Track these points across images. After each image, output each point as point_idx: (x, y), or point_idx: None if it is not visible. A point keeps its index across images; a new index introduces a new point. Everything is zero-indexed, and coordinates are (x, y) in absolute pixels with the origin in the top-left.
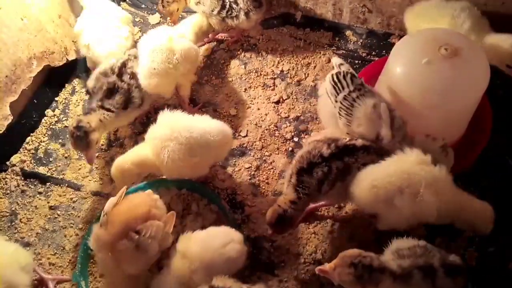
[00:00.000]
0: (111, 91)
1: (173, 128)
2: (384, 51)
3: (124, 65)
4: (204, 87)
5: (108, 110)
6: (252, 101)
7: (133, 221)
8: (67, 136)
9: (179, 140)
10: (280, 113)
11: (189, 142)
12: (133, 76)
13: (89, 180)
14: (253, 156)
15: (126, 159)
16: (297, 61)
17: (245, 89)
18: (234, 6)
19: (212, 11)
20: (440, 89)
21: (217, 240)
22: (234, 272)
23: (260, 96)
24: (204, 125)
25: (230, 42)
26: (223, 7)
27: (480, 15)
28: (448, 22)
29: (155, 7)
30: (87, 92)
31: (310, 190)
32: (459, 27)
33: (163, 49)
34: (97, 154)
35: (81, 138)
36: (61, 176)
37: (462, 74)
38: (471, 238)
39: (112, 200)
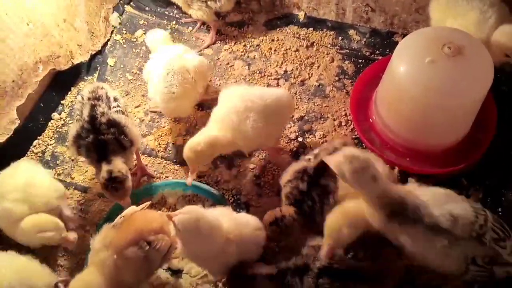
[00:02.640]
0: (101, 147)
1: (245, 99)
2: (387, 50)
3: (94, 117)
4: (208, 88)
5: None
6: None
7: (146, 232)
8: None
9: (256, 109)
10: None
11: (265, 109)
12: (111, 124)
13: (96, 182)
14: (258, 156)
15: (198, 141)
16: (301, 61)
17: None
18: None
19: None
20: (444, 87)
21: (253, 222)
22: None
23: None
24: (271, 92)
25: (204, 48)
26: None
27: (508, 12)
28: (475, 16)
29: (158, 9)
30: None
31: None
32: (485, 22)
33: (178, 70)
34: None
35: (117, 189)
36: (68, 179)
37: (466, 72)
38: None
39: (133, 208)
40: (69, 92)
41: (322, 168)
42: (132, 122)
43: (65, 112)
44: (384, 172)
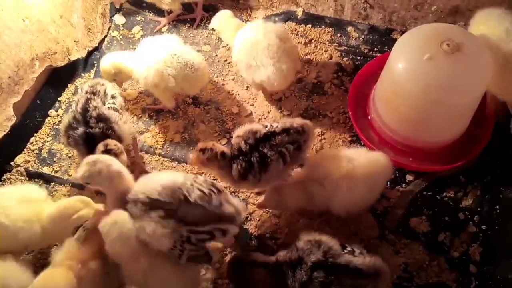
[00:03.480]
0: (89, 140)
1: None
2: (386, 47)
3: (85, 109)
4: (206, 85)
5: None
6: (254, 98)
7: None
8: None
9: None
10: (283, 110)
11: None
12: (100, 118)
13: None
14: None
15: None
16: (299, 58)
17: (247, 87)
18: None
19: None
20: (443, 84)
21: None
22: None
23: (262, 93)
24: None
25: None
26: None
27: None
28: (500, 34)
29: (155, 6)
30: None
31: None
32: (507, 39)
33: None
34: None
35: None
36: (65, 176)
37: (464, 69)
38: (475, 233)
39: (95, 219)
40: (66, 89)
41: (273, 134)
42: (124, 121)
43: (62, 109)
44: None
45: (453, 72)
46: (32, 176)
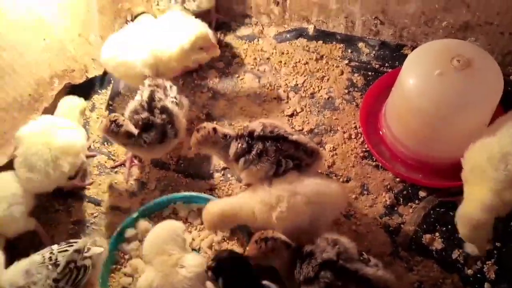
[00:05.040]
0: (147, 126)
1: None
2: (397, 62)
3: (152, 99)
4: (219, 101)
5: (144, 142)
6: (266, 114)
7: None
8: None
9: None
10: (294, 126)
11: None
12: (164, 110)
13: (109, 195)
14: None
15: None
16: (311, 74)
17: (259, 103)
18: None
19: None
20: (454, 100)
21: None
22: None
23: (274, 109)
24: None
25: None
26: None
27: None
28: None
29: None
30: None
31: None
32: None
33: None
34: (115, 170)
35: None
36: (82, 192)
37: (475, 85)
38: (490, 251)
39: None
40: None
41: (284, 139)
42: (182, 116)
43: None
44: None
45: (464, 89)
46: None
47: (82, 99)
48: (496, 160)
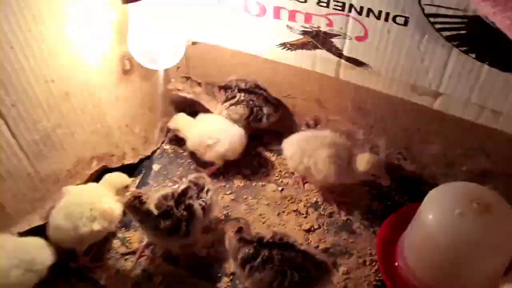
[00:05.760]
0: (166, 214)
1: None
2: (416, 197)
3: (184, 194)
4: (240, 205)
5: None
6: (284, 225)
7: None
8: None
9: None
10: (310, 241)
11: None
12: (188, 208)
13: (114, 282)
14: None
15: None
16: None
17: (278, 213)
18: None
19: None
20: (473, 240)
21: None
22: None
23: (292, 221)
24: None
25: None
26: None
27: None
28: None
29: None
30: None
31: None
32: None
33: None
34: (125, 257)
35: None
36: (87, 274)
37: (493, 229)
38: None
39: None
40: None
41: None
42: (201, 221)
43: None
44: None
45: (483, 230)
46: None
47: (127, 177)
48: None
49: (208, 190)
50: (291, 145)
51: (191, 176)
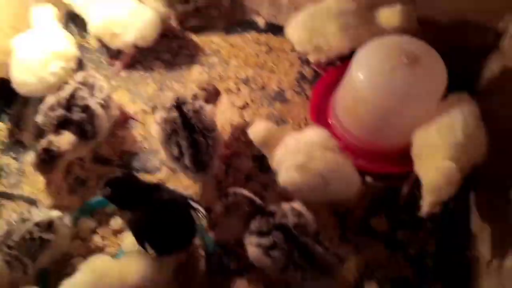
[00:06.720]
0: (61, 125)
1: None
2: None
3: (72, 97)
4: (165, 92)
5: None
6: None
7: None
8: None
9: None
10: (245, 118)
11: None
12: (85, 109)
13: (46, 194)
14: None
15: None
16: (261, 66)
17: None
18: None
19: None
20: (402, 93)
21: None
22: None
23: (224, 100)
24: None
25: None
26: None
27: None
28: None
29: None
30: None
31: None
32: None
33: None
34: None
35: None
36: (16, 191)
37: (421, 80)
38: (432, 232)
39: None
40: (15, 101)
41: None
42: (106, 119)
43: (10, 121)
44: None
45: (412, 82)
46: None
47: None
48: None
49: (101, 87)
50: (296, 29)
51: (77, 76)
